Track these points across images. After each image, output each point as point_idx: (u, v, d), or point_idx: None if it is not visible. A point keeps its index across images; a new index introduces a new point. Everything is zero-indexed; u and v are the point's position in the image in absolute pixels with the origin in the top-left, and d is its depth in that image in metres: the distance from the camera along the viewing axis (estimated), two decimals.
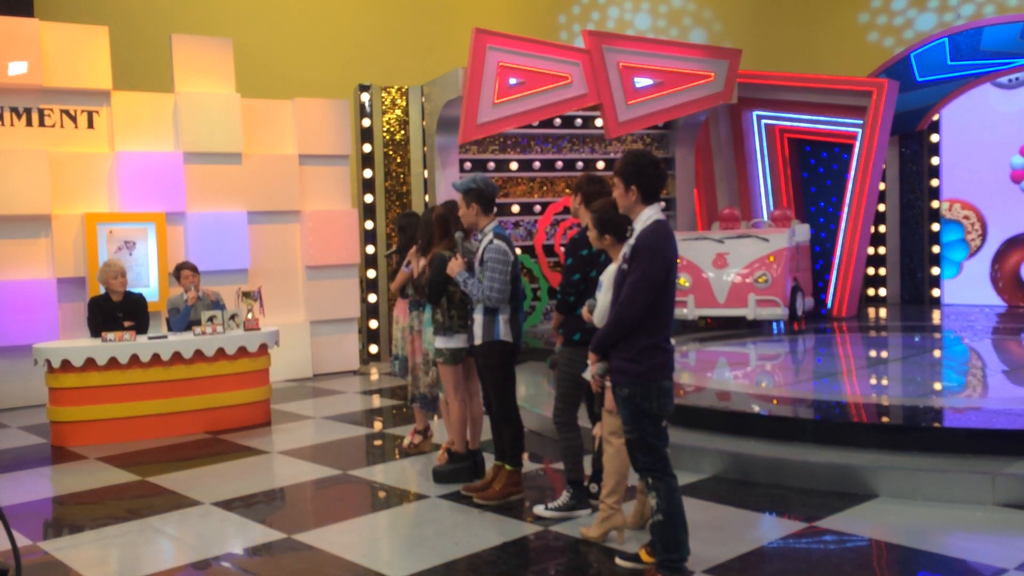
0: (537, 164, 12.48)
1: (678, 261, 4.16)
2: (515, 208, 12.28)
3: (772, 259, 11.30)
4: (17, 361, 9.01)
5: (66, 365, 7.25)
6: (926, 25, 14.54)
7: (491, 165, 12.14)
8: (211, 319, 7.77)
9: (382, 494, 5.79)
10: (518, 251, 5.37)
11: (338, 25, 14.03)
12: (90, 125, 9.65)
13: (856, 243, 12.45)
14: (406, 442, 6.79)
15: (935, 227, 13.94)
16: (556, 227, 12.44)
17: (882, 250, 14.47)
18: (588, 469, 5.19)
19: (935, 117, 13.81)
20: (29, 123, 9.35)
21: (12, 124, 9.27)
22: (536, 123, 11.91)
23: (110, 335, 7.43)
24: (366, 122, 11.67)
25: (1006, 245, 13.29)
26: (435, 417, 7.11)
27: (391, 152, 11.82)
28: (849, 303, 12.53)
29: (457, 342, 5.57)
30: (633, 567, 4.20)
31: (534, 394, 8.15)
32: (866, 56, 14.91)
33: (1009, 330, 10.82)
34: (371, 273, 11.65)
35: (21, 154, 9.13)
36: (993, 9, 13.80)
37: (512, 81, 11.05)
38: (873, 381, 7.86)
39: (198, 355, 7.61)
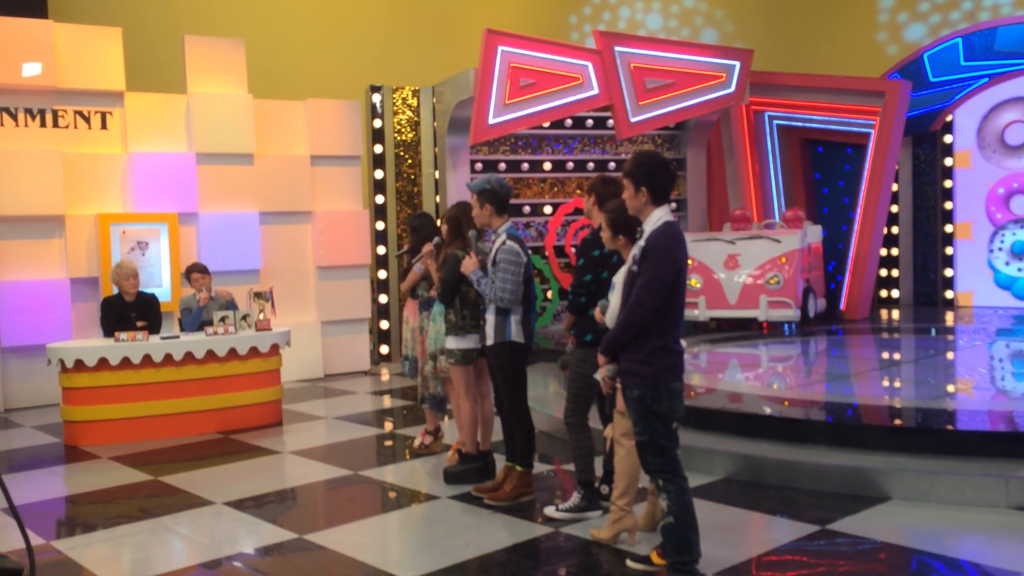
0: (548, 165, 12.47)
1: (688, 262, 4.15)
2: (526, 209, 12.28)
3: (784, 260, 11.25)
4: (31, 361, 9.07)
5: (79, 365, 7.29)
6: (936, 23, 14.46)
7: (502, 166, 12.14)
8: (223, 319, 7.80)
9: (393, 495, 5.79)
10: (530, 252, 5.36)
11: (350, 26, 14.06)
12: (103, 126, 9.70)
13: (869, 244, 12.39)
14: (417, 443, 6.80)
15: (948, 228, 13.87)
16: (567, 228, 12.43)
17: (895, 251, 14.41)
18: (599, 470, 5.18)
19: (948, 118, 13.74)
20: (43, 124, 9.41)
21: (26, 125, 9.33)
22: (547, 124, 11.91)
23: (123, 335, 7.46)
24: (377, 123, 11.69)
25: None
26: (445, 418, 7.11)
27: (402, 153, 11.83)
28: (862, 304, 12.47)
29: (469, 342, 5.56)
30: (644, 569, 4.19)
31: (545, 395, 8.14)
32: (879, 56, 14.86)
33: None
34: (382, 274, 11.67)
35: (35, 155, 9.18)
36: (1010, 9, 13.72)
37: (523, 82, 11.04)
38: (886, 383, 7.82)
39: (210, 355, 7.64)
